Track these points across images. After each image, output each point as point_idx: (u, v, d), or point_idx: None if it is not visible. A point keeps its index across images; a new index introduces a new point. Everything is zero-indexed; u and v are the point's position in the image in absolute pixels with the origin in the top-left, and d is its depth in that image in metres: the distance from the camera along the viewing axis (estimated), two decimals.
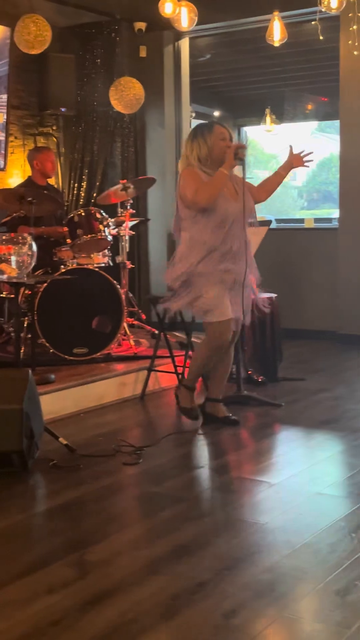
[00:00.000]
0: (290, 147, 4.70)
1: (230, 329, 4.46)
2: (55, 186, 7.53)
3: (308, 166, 4.67)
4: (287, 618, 2.47)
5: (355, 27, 6.62)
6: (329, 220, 11.64)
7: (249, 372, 5.73)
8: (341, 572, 2.76)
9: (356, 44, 6.67)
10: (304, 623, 2.46)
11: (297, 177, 28.99)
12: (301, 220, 8.80)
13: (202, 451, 4.27)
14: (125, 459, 4.06)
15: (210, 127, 4.52)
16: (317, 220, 10.42)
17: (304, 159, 4.66)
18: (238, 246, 4.47)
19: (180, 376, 5.38)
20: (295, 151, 4.66)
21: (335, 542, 3.01)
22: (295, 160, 4.66)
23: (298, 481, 3.76)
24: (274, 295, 5.93)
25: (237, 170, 4.76)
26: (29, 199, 5.32)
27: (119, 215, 6.39)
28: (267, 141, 21.68)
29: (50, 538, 3.16)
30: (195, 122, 7.83)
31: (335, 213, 7.74)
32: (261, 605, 2.55)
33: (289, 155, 4.68)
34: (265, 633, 2.40)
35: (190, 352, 5.45)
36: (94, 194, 7.77)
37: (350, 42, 6.78)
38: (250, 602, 2.57)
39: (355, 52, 6.76)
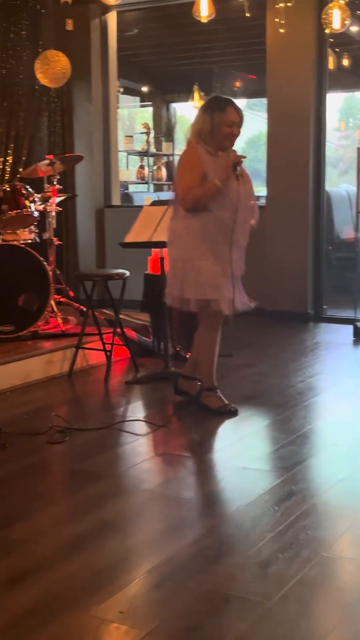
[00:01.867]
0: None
1: (226, 309, 4.29)
2: None
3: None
4: (210, 590, 2.51)
5: (281, 4, 6.64)
6: (256, 197, 11.72)
7: (177, 349, 5.76)
8: (263, 544, 2.81)
9: (282, 21, 6.70)
10: (227, 595, 2.50)
11: None
12: None
13: (129, 429, 4.27)
14: (51, 437, 4.04)
15: (223, 108, 4.24)
16: None
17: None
18: (237, 235, 4.29)
19: (108, 353, 5.37)
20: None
21: (258, 516, 3.06)
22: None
23: (223, 456, 3.81)
24: None
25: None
26: None
27: (46, 190, 6.31)
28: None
29: None
30: (123, 97, 7.77)
31: (262, 191, 7.78)
32: (185, 578, 2.59)
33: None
34: (189, 605, 2.43)
35: (118, 330, 5.44)
36: (20, 169, 7.65)
37: (276, 19, 6.80)
38: (175, 575, 2.60)
39: (282, 30, 6.79)
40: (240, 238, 4.34)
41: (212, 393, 4.52)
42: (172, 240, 4.37)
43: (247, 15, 6.09)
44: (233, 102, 4.31)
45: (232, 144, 4.30)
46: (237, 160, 4.21)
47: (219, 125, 4.22)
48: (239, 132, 4.31)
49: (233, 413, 4.45)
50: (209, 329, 4.46)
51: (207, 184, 4.16)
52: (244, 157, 4.24)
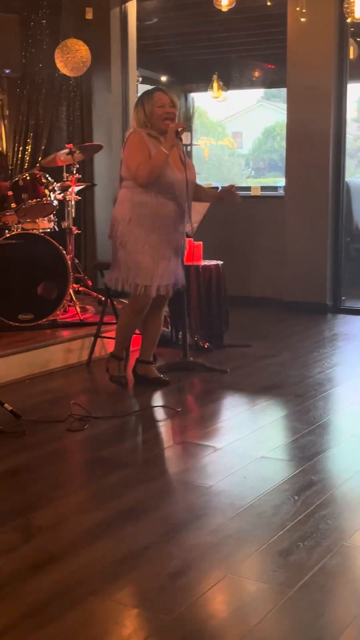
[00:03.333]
0: (231, 186, 4.90)
1: (152, 294, 4.53)
2: (0, 149, 7.40)
3: (238, 202, 4.86)
4: (232, 578, 2.52)
5: None
6: (275, 188, 11.67)
7: (195, 339, 5.76)
8: (284, 533, 2.82)
9: (303, 10, 6.67)
10: (248, 583, 2.51)
11: (244, 145, 29.02)
12: (248, 189, 8.80)
13: (148, 417, 4.29)
14: (70, 425, 4.05)
15: (151, 94, 4.57)
16: (263, 188, 10.44)
17: (234, 197, 4.83)
18: (178, 214, 4.54)
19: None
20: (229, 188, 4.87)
21: (278, 505, 3.07)
22: (225, 195, 4.88)
23: (242, 445, 3.81)
24: (220, 262, 5.96)
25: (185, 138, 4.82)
26: None
27: (65, 179, 6.32)
28: (213, 108, 21.60)
29: None
30: (142, 87, 7.76)
31: (281, 181, 7.76)
32: (206, 566, 2.60)
33: (223, 190, 4.94)
34: (210, 593, 2.44)
35: None
36: (39, 158, 7.66)
37: (298, 8, 6.77)
38: (196, 563, 2.61)
39: (303, 19, 6.76)
40: (183, 221, 4.60)
41: (115, 360, 4.83)
42: (112, 223, 4.59)
43: (268, 4, 6.07)
44: (160, 88, 4.73)
45: (167, 126, 4.46)
46: (179, 127, 4.45)
47: (151, 109, 4.50)
48: (173, 111, 4.55)
49: (123, 385, 4.78)
50: (133, 311, 4.70)
51: (156, 155, 4.41)
52: (185, 125, 4.55)
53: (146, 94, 4.62)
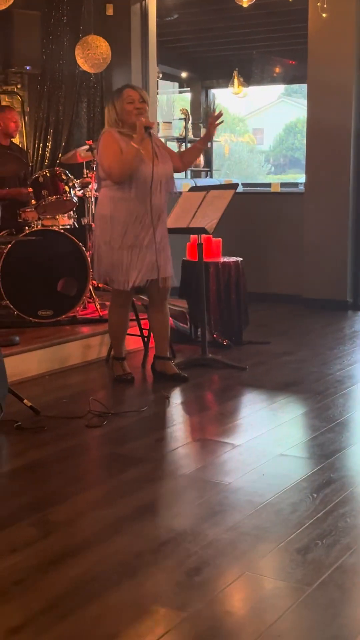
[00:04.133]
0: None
1: (127, 287, 4.63)
2: (20, 146, 7.42)
3: (222, 122, 4.87)
4: (250, 576, 2.51)
5: None
6: (295, 185, 11.64)
7: (214, 336, 5.75)
8: (302, 531, 2.80)
9: (325, 5, 6.62)
10: (265, 581, 2.49)
11: (265, 141, 28.94)
12: (268, 185, 8.77)
13: (166, 414, 4.29)
14: (89, 421, 4.06)
15: (120, 91, 4.64)
16: (283, 184, 10.42)
17: (216, 121, 4.83)
18: (157, 207, 4.60)
19: (146, 339, 5.39)
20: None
21: (296, 502, 3.05)
22: (210, 128, 4.85)
23: (261, 442, 3.80)
24: (239, 259, 5.94)
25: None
26: None
27: (85, 176, 6.32)
28: (234, 104, 21.56)
29: (14, 498, 3.16)
30: (162, 83, 7.75)
31: (301, 178, 7.73)
32: (224, 563, 2.59)
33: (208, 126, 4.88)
34: (227, 590, 2.43)
35: None
36: (59, 155, 7.67)
37: (319, 4, 6.72)
38: (213, 560, 2.60)
39: (324, 15, 6.71)
40: (161, 214, 4.67)
41: (117, 361, 4.93)
42: (95, 222, 4.75)
43: (289, 0, 6.02)
44: (130, 85, 4.81)
45: (139, 120, 4.48)
46: (147, 124, 4.48)
47: (121, 106, 4.57)
48: (143, 106, 4.58)
49: (129, 381, 4.83)
50: (116, 305, 4.84)
51: (126, 150, 4.47)
52: (152, 123, 4.55)
53: (116, 91, 4.69)
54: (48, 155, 7.86)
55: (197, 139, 11.76)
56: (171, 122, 11.74)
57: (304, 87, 7.95)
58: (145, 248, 4.61)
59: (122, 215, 4.56)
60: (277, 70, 11.80)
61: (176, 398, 4.60)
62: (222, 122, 4.88)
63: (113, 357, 4.98)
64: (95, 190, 5.74)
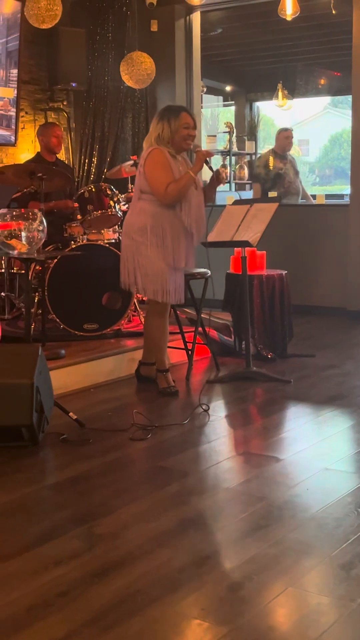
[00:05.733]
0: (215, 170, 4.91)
1: (170, 298, 4.74)
2: (66, 162, 7.52)
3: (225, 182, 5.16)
4: (293, 591, 2.50)
5: None
6: (341, 196, 11.57)
7: (259, 349, 5.74)
8: (347, 546, 2.79)
9: None
10: (309, 596, 2.48)
11: (310, 152, 28.82)
12: (313, 196, 8.74)
13: (210, 427, 4.29)
14: (133, 434, 4.09)
15: (178, 113, 4.68)
16: (328, 196, 10.37)
17: (219, 176, 4.91)
18: (189, 229, 4.72)
19: (190, 352, 5.41)
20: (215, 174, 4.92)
21: (341, 517, 3.04)
22: (217, 180, 4.91)
23: (306, 456, 3.78)
24: (284, 272, 5.93)
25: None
26: (39, 174, 5.33)
27: (130, 191, 6.38)
28: (279, 115, 21.50)
29: (59, 511, 3.20)
30: (206, 97, 7.77)
31: (347, 189, 7.68)
32: (267, 578, 2.58)
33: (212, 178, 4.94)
34: (271, 605, 2.43)
35: (199, 329, 5.47)
36: (105, 170, 7.76)
37: None
38: (257, 575, 2.60)
39: None
40: (193, 232, 4.76)
41: (162, 374, 4.93)
42: (126, 231, 4.81)
43: (334, 12, 6.02)
44: (186, 108, 4.88)
45: (189, 146, 4.77)
46: (208, 154, 4.73)
47: (176, 129, 4.64)
48: (194, 134, 4.76)
49: (174, 394, 4.84)
50: (155, 316, 4.89)
51: (183, 177, 4.62)
52: (212, 153, 4.70)
53: (172, 111, 4.72)
54: (94, 170, 7.96)
55: (241, 152, 11.81)
56: (215, 136, 11.78)
57: (349, 98, 7.92)
58: (180, 263, 4.76)
59: (158, 229, 4.66)
60: (322, 82, 11.77)
61: (220, 411, 4.60)
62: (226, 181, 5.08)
63: (157, 370, 5.01)
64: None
